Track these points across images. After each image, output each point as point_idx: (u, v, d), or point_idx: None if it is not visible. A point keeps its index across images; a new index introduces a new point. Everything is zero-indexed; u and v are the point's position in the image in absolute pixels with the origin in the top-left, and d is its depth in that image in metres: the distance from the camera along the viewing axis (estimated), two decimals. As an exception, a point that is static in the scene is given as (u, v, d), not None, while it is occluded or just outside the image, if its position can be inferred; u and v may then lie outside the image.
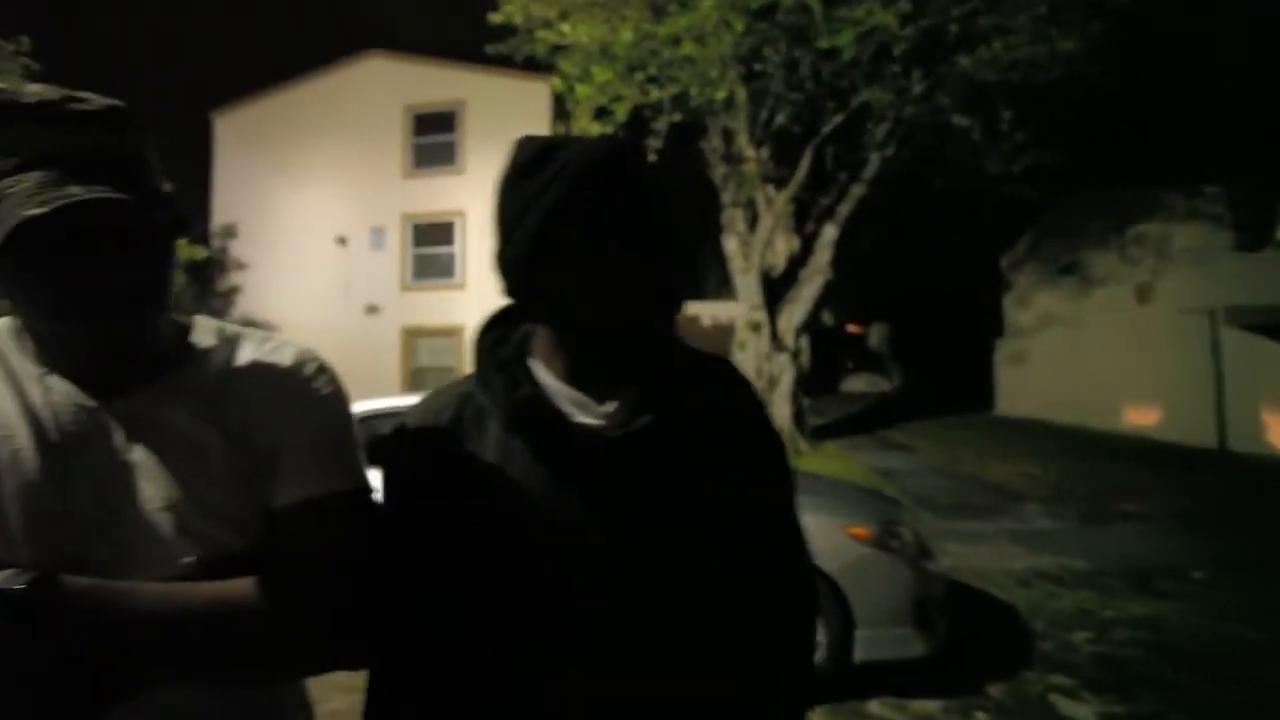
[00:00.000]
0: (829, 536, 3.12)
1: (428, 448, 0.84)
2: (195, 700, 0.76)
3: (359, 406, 3.91)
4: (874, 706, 3.17)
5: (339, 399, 0.86)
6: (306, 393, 0.84)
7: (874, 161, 10.77)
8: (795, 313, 12.04)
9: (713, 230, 12.97)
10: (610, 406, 0.81)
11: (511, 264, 0.84)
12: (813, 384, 14.12)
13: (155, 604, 0.71)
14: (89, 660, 0.66)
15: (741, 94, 9.81)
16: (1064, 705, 3.22)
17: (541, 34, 9.60)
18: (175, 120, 17.49)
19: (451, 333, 15.83)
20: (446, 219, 15.97)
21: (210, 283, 16.60)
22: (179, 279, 15.56)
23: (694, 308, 18.39)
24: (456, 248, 15.95)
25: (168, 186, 0.78)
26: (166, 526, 0.75)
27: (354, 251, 16.16)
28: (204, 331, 0.87)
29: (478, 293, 15.71)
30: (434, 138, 16.12)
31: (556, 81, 10.12)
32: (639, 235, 0.78)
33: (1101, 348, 14.72)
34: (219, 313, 16.24)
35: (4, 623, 0.61)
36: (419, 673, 0.82)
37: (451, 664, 0.80)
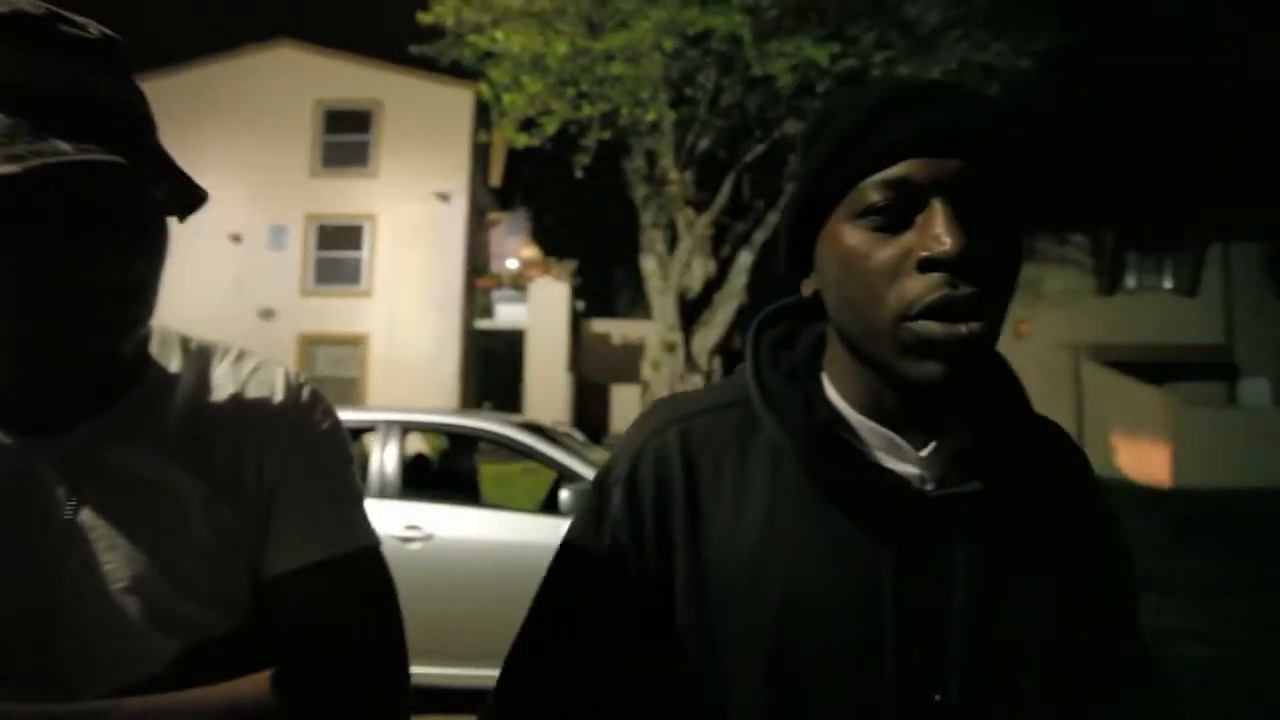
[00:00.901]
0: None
1: (650, 477, 0.62)
2: None
3: None
4: None
5: (340, 436, 0.68)
6: (303, 428, 0.66)
7: (790, 191, 11.24)
8: (710, 335, 12.31)
9: (630, 249, 13.09)
10: (928, 452, 0.60)
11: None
12: (723, 405, 14.39)
13: None
14: None
15: (669, 117, 10.01)
16: None
17: (473, 38, 9.42)
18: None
19: (355, 341, 15.08)
20: (355, 222, 15.28)
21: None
22: None
23: (605, 325, 18.45)
24: (365, 253, 15.28)
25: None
26: (133, 612, 0.56)
27: (250, 250, 15.14)
28: (164, 343, 0.69)
29: (385, 301, 15.08)
30: (347, 136, 15.43)
31: (484, 89, 9.95)
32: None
33: (983, 378, 15.94)
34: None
35: None
36: None
37: None
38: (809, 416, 0.61)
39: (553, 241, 18.39)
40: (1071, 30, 10.16)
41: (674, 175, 11.33)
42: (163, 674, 0.56)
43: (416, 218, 15.23)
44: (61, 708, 0.50)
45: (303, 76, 15.45)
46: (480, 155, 16.29)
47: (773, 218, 11.73)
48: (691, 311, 12.42)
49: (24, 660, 0.53)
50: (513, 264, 16.91)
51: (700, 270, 13.15)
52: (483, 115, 14.42)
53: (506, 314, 16.12)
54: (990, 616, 0.58)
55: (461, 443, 4.83)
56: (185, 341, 0.70)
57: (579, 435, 6.27)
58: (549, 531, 3.22)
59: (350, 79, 15.53)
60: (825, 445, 0.60)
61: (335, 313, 15.09)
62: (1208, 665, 4.08)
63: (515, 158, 16.96)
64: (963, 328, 0.53)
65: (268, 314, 15.06)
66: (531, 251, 17.45)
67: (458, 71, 11.52)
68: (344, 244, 15.30)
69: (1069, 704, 0.59)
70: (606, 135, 9.90)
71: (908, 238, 0.55)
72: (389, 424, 3.51)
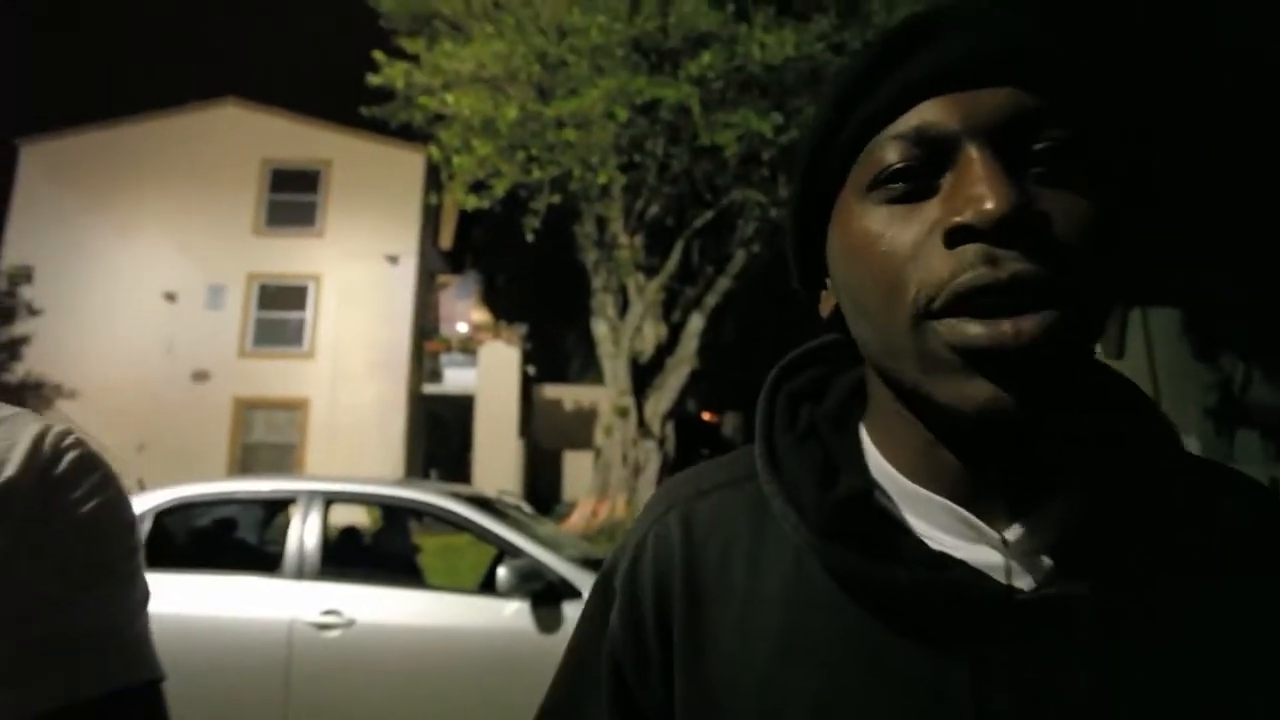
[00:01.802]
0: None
1: (650, 575, 0.48)
2: None
3: (175, 491, 3.29)
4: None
5: (116, 526, 0.51)
6: (48, 510, 0.47)
7: (740, 257, 11.44)
8: (662, 400, 12.22)
9: (582, 314, 13.06)
10: (1016, 534, 0.41)
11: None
12: (676, 470, 14.23)
13: None
14: None
15: (619, 181, 10.15)
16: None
17: (424, 100, 9.46)
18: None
19: (294, 406, 14.45)
20: (300, 282, 14.87)
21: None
22: None
23: (558, 391, 18.19)
24: (308, 314, 14.82)
25: None
26: None
27: (185, 310, 14.52)
28: None
29: (327, 364, 14.57)
30: (293, 196, 15.18)
31: (434, 151, 9.94)
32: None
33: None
34: (-1, 370, 13.83)
35: None
36: None
37: None
38: (827, 488, 0.44)
39: (504, 305, 18.26)
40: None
41: (624, 240, 11.42)
42: None
43: (364, 279, 14.93)
44: None
45: (250, 135, 15.26)
46: (431, 217, 16.21)
47: (724, 282, 11.88)
48: (644, 376, 12.34)
49: None
50: (462, 327, 16.65)
51: (652, 335, 13.16)
52: (434, 177, 14.41)
53: (455, 378, 15.74)
54: None
55: (396, 515, 4.51)
56: None
57: (527, 507, 5.97)
58: (484, 614, 2.93)
59: (299, 138, 15.40)
60: (853, 529, 0.42)
61: (275, 376, 14.48)
62: None
63: (466, 220, 16.96)
64: (1008, 324, 0.35)
65: (201, 376, 14.35)
66: (482, 315, 17.26)
67: (409, 133, 11.55)
68: (286, 304, 14.84)
69: None
70: (557, 199, 9.95)
71: (933, 205, 0.39)
72: (310, 494, 3.21)
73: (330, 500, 3.25)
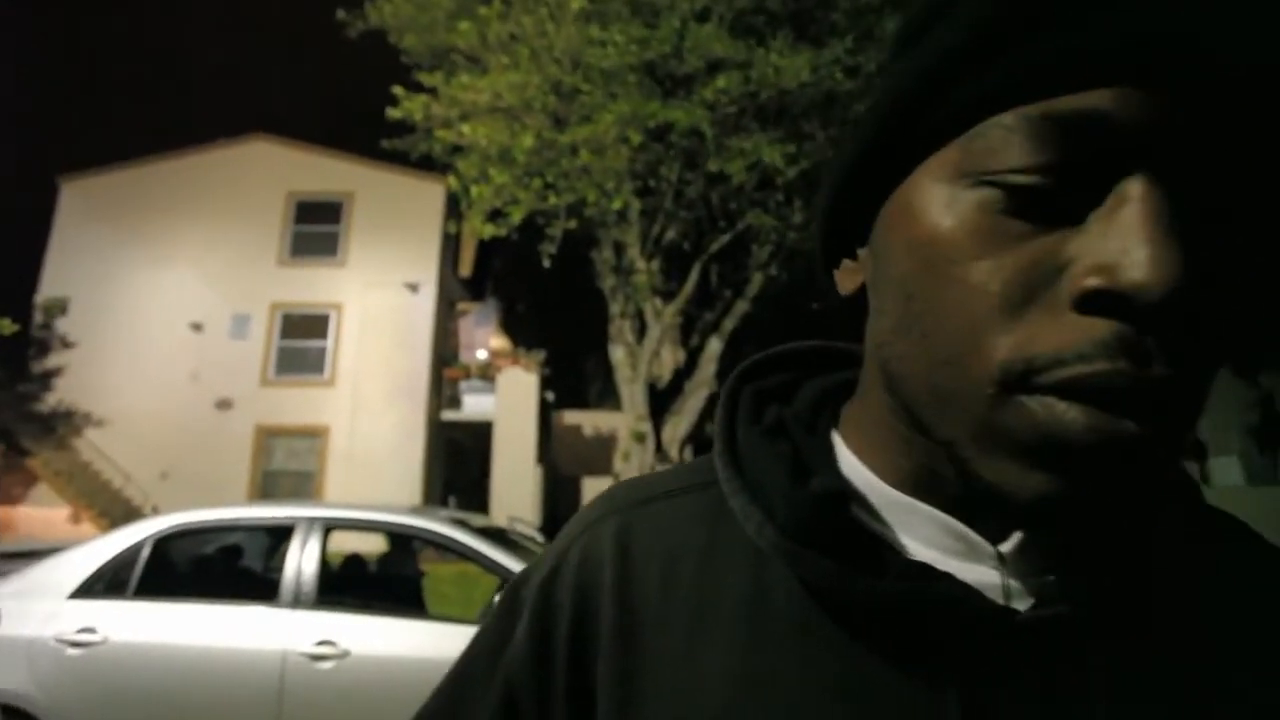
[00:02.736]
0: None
1: (569, 588, 0.41)
2: None
3: (174, 518, 3.26)
4: None
5: None
6: None
7: (757, 280, 11.38)
8: (680, 425, 12.11)
9: (601, 340, 13.06)
10: (1012, 546, 0.36)
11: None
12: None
13: None
14: None
15: (635, 206, 10.17)
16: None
17: (441, 133, 9.60)
18: (16, 182, 15.85)
19: (314, 433, 14.56)
20: (322, 311, 15.09)
21: (25, 363, 14.48)
22: None
23: (577, 417, 18.14)
24: (329, 342, 15.01)
25: None
26: None
27: (210, 339, 14.79)
28: None
29: (347, 391, 14.70)
30: (316, 227, 15.49)
31: (453, 181, 10.07)
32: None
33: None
34: (30, 398, 14.12)
35: None
36: None
37: None
38: (799, 484, 0.37)
39: (523, 332, 18.35)
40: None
41: (641, 265, 11.42)
42: None
43: (384, 307, 15.10)
44: None
45: (276, 169, 15.65)
46: (450, 246, 16.41)
47: (741, 306, 11.81)
48: (662, 401, 12.26)
49: None
50: (481, 354, 16.73)
51: (670, 359, 13.10)
52: (453, 206, 14.62)
53: (474, 405, 15.77)
54: None
55: (402, 543, 4.44)
56: None
57: (539, 537, 5.85)
58: (483, 644, 2.84)
59: (322, 171, 15.76)
60: (826, 532, 0.36)
61: (296, 403, 14.63)
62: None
63: (486, 248, 17.13)
64: (1131, 425, 0.27)
65: (225, 404, 14.55)
66: (500, 342, 17.35)
67: (428, 164, 11.73)
68: (308, 333, 15.05)
69: None
70: (573, 225, 9.99)
71: (1065, 238, 0.29)
72: (310, 521, 3.16)
73: (330, 527, 3.19)
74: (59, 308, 15.01)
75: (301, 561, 3.07)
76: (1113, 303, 0.27)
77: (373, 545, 7.30)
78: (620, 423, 13.83)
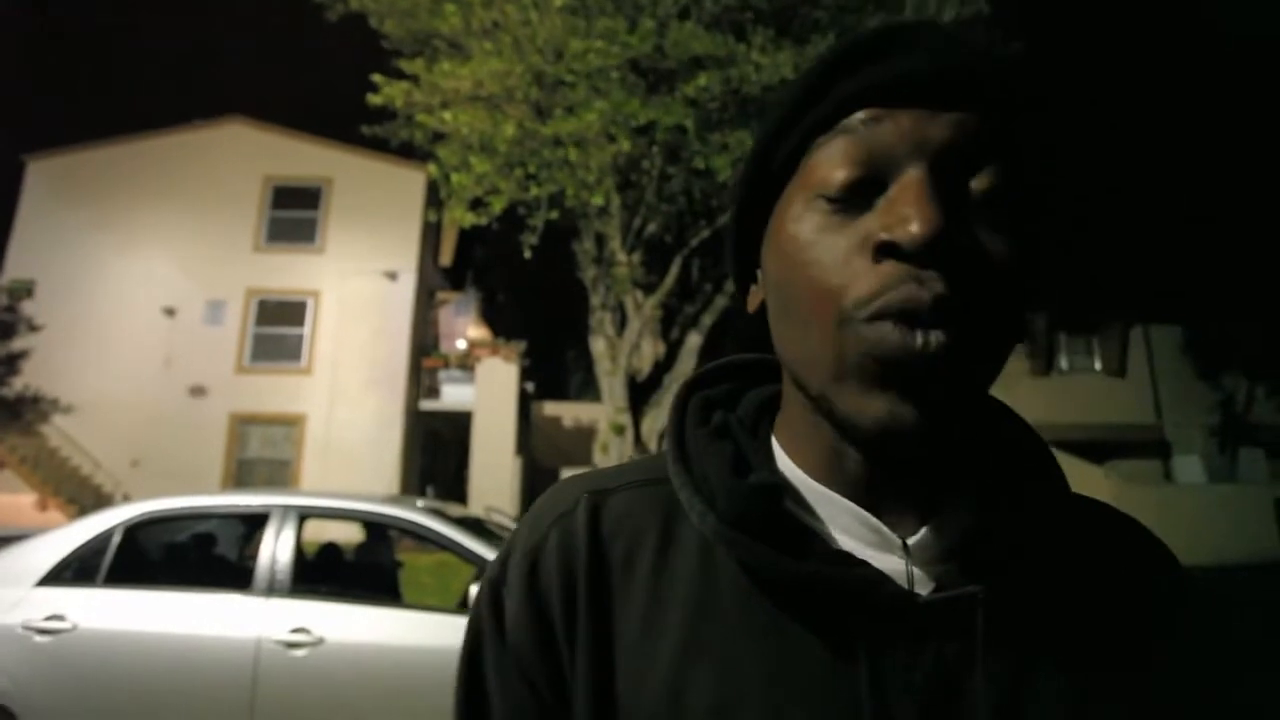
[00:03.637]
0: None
1: (557, 571, 0.46)
2: None
3: (145, 506, 3.24)
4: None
5: None
6: None
7: (737, 275, 11.46)
8: (659, 417, 12.17)
9: (581, 331, 13.06)
10: (918, 538, 0.43)
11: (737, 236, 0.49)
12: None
13: None
14: None
15: (616, 201, 10.17)
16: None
17: (422, 118, 9.52)
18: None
19: (290, 422, 14.42)
20: (299, 297, 14.92)
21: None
22: None
23: (556, 408, 18.13)
24: (306, 329, 14.85)
25: None
26: None
27: (184, 325, 14.56)
28: None
29: (325, 380, 14.57)
30: (294, 213, 15.28)
31: (433, 168, 9.99)
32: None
33: (932, 460, 16.14)
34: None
35: None
36: None
37: None
38: (738, 478, 0.44)
39: (502, 322, 18.28)
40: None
41: (622, 257, 11.43)
42: None
43: (363, 295, 14.97)
44: None
45: (253, 153, 15.39)
46: (431, 234, 16.28)
47: (721, 301, 11.87)
48: (641, 394, 12.30)
49: None
50: (461, 344, 16.65)
51: (650, 352, 13.15)
52: (433, 195, 14.50)
53: (453, 395, 15.70)
54: None
55: (378, 532, 4.44)
56: None
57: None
58: (459, 633, 2.87)
59: (300, 156, 15.53)
60: (762, 522, 0.43)
61: (271, 391, 14.47)
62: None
63: (466, 238, 17.03)
64: (921, 338, 0.37)
65: (198, 391, 14.35)
66: (480, 332, 17.27)
67: (409, 152, 11.61)
68: (285, 320, 14.87)
69: None
70: (555, 216, 9.97)
71: (868, 219, 0.40)
72: (285, 509, 3.16)
73: (304, 515, 3.20)
74: (25, 290, 14.67)
75: (276, 549, 3.07)
76: (896, 250, 0.38)
77: (349, 534, 7.28)
78: (600, 414, 13.85)
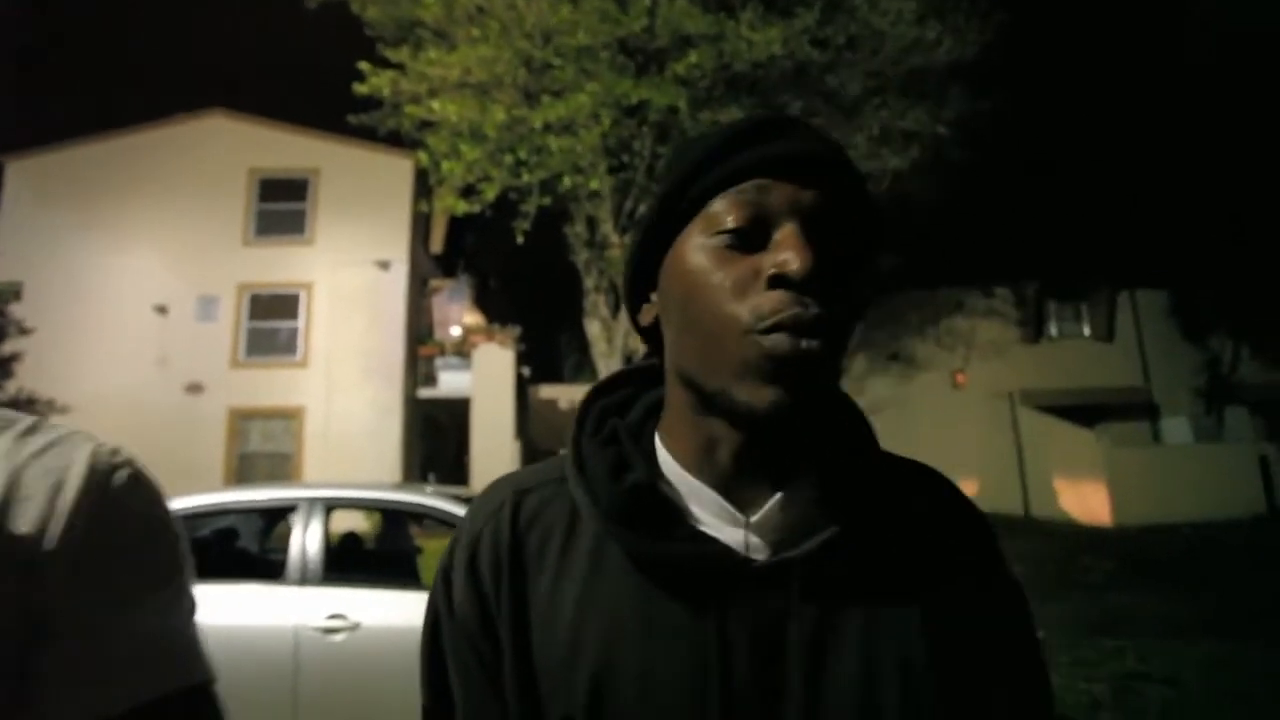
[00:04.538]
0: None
1: (489, 557, 0.58)
2: None
3: (175, 503, 3.31)
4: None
5: (166, 537, 0.55)
6: (106, 524, 0.51)
7: (729, 253, 11.52)
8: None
9: (575, 314, 13.08)
10: (760, 515, 0.55)
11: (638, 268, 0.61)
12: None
13: None
14: None
15: (608, 183, 10.17)
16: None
17: (410, 109, 9.46)
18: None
19: (289, 415, 14.45)
20: (291, 290, 14.87)
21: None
22: None
23: (553, 391, 18.22)
24: (300, 322, 14.82)
25: None
26: None
27: (176, 322, 14.50)
28: None
29: (321, 371, 14.58)
30: (282, 205, 15.16)
31: (423, 157, 9.95)
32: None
33: (925, 426, 16.25)
34: (-8, 389, 13.77)
35: None
36: None
37: None
38: (616, 481, 0.56)
39: (497, 308, 18.28)
40: (980, 97, 10.88)
41: (615, 240, 11.44)
42: None
43: (355, 286, 14.93)
44: None
45: (237, 145, 15.23)
46: (421, 222, 16.21)
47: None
48: (638, 373, 12.39)
49: None
50: (456, 331, 16.67)
51: (645, 332, 13.20)
52: (423, 183, 14.43)
53: (450, 382, 15.75)
54: (829, 698, 0.52)
55: (396, 519, 4.55)
56: None
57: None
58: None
59: (286, 148, 15.38)
60: (635, 512, 0.55)
61: (268, 385, 14.48)
62: (1171, 707, 4.04)
63: (457, 225, 16.97)
64: (804, 344, 0.50)
65: (195, 388, 14.34)
66: (474, 318, 17.28)
67: (397, 140, 11.54)
68: (278, 314, 14.83)
69: None
70: (547, 201, 9.97)
71: (759, 257, 0.53)
72: (312, 501, 3.26)
73: (331, 506, 3.29)
74: (12, 292, 14.53)
75: (305, 540, 3.17)
76: (785, 280, 0.50)
77: (356, 523, 7.37)
78: (597, 396, 13.94)
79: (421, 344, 15.91)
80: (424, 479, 15.20)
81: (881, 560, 0.56)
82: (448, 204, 10.44)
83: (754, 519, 0.54)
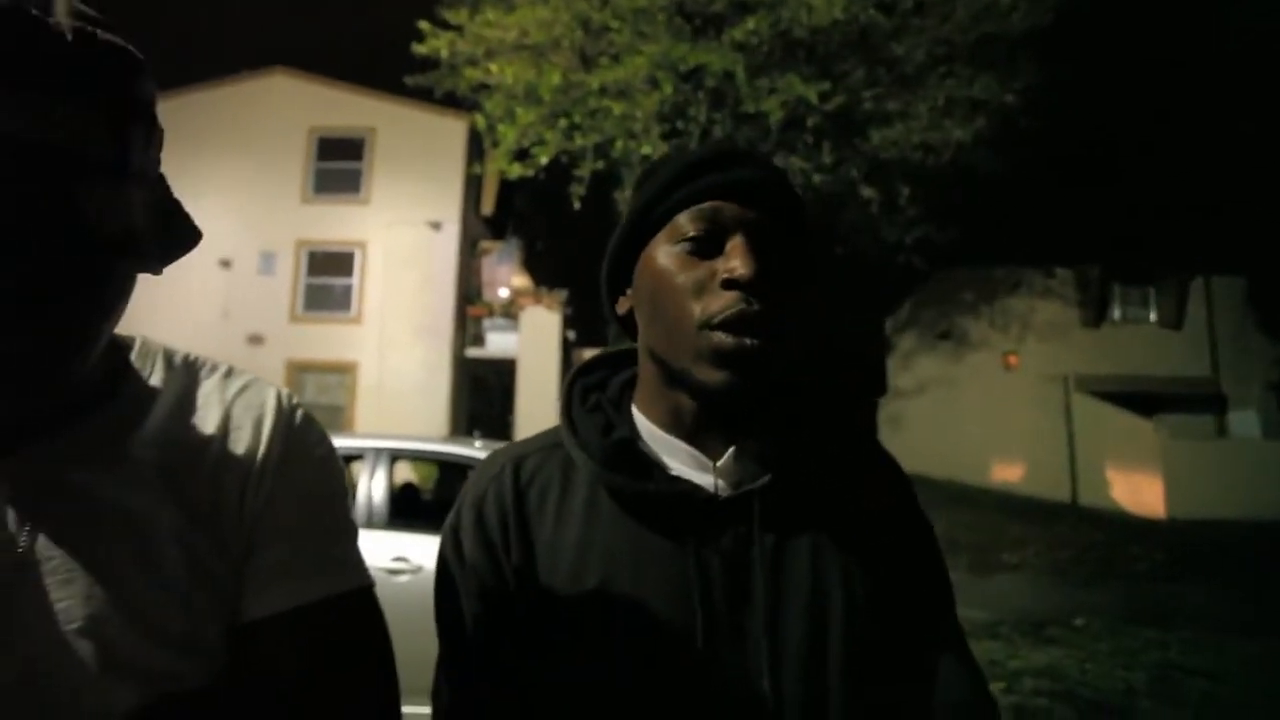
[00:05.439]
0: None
1: (495, 513, 0.69)
2: None
3: None
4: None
5: (335, 466, 0.64)
6: (294, 455, 0.60)
7: (781, 223, 11.37)
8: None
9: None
10: (724, 460, 0.68)
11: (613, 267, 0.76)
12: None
13: None
14: None
15: (662, 149, 10.11)
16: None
17: (468, 70, 9.52)
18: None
19: (343, 369, 14.95)
20: (346, 249, 15.26)
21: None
22: None
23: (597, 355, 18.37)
24: (355, 279, 15.22)
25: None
26: (87, 657, 0.48)
27: (239, 276, 15.06)
28: (144, 355, 0.63)
29: (374, 328, 15.00)
30: (339, 164, 15.48)
31: (479, 119, 10.03)
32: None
33: (972, 408, 15.97)
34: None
35: None
36: None
37: None
38: (606, 436, 0.70)
39: (544, 271, 18.43)
40: (1052, 67, 10.40)
41: (665, 206, 11.41)
42: None
43: (408, 245, 15.24)
44: None
45: (297, 104, 15.55)
46: (473, 184, 16.37)
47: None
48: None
49: None
50: (504, 293, 16.90)
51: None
52: (476, 145, 14.54)
53: (497, 343, 16.05)
54: (788, 601, 0.65)
55: (451, 471, 4.74)
56: (169, 355, 0.64)
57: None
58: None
59: (344, 107, 15.64)
60: (621, 462, 0.68)
61: (324, 340, 14.98)
62: (1209, 701, 4.02)
63: (508, 187, 17.07)
64: (748, 341, 0.63)
65: (256, 340, 14.93)
66: (523, 280, 17.47)
67: (452, 102, 11.64)
68: (334, 270, 15.26)
69: (876, 683, 0.65)
70: (600, 165, 9.98)
71: (714, 262, 0.65)
72: (378, 451, 3.44)
73: (395, 457, 3.47)
74: (89, 242, 15.26)
75: (371, 486, 3.36)
76: (734, 283, 0.63)
77: (406, 474, 7.66)
78: (640, 362, 14.04)
79: (470, 304, 16.20)
80: (469, 434, 15.60)
81: (825, 499, 0.70)
82: (500, 167, 10.54)
83: (718, 464, 0.69)
